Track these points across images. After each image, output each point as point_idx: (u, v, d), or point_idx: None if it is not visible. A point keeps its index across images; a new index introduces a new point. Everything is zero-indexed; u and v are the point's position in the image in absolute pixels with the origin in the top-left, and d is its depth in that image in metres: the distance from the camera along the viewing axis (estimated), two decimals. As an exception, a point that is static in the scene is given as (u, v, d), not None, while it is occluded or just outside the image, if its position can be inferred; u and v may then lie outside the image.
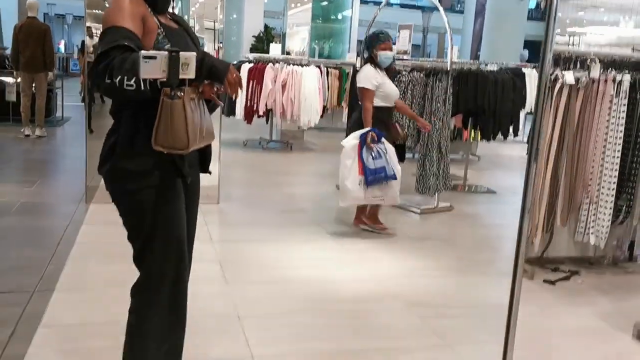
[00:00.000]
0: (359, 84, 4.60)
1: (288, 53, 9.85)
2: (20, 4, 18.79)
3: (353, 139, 4.49)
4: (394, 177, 4.52)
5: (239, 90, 2.10)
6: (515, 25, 15.97)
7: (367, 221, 4.91)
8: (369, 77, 4.58)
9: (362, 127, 4.53)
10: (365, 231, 4.89)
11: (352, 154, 4.46)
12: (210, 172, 2.40)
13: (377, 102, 4.58)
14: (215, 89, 2.08)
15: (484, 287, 3.88)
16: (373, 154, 4.43)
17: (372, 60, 4.66)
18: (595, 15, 14.31)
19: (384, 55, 4.64)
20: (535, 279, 3.96)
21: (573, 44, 14.38)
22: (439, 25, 5.73)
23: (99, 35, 2.07)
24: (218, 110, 2.34)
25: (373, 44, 4.67)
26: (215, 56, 6.98)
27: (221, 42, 6.68)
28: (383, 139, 4.49)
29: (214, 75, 2.01)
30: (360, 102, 4.62)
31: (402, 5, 24.68)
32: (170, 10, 2.33)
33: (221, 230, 4.80)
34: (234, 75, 2.03)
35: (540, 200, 3.95)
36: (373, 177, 4.42)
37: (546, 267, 4.14)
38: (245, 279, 3.73)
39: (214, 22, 6.99)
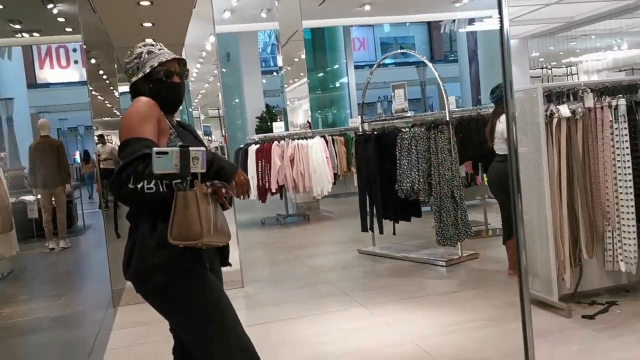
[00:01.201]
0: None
1: (310, 125, 10.11)
2: (33, 124, 19.58)
3: None
4: None
5: (248, 193, 2.23)
6: (509, 65, 16.20)
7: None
8: None
9: None
10: (399, 292, 4.87)
11: None
12: (230, 264, 2.47)
13: None
14: (224, 192, 2.18)
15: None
16: None
17: None
18: (588, 43, 14.56)
19: None
20: (574, 316, 3.86)
21: (571, 74, 14.55)
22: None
23: (119, 145, 2.21)
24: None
25: None
26: (223, 142, 7.09)
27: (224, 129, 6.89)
28: None
29: (222, 175, 2.15)
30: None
31: (397, 64, 25.26)
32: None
33: (249, 314, 4.78)
34: (242, 177, 2.17)
35: (562, 236, 3.90)
36: None
37: (583, 302, 4.04)
38: (279, 361, 3.68)
39: (218, 110, 7.22)
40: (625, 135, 3.83)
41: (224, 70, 17.40)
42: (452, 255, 5.73)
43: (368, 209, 6.39)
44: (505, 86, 1.92)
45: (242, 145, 9.09)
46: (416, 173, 5.63)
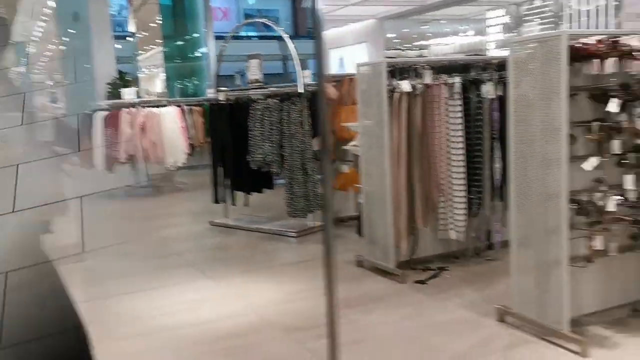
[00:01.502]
0: None
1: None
2: None
3: None
4: None
5: None
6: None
7: None
8: None
9: None
10: (248, 263, 4.84)
11: None
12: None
13: None
14: None
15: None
16: None
17: None
18: (438, 27, 15.40)
19: None
20: (408, 282, 4.09)
21: (422, 57, 15.24)
22: (300, 52, 5.99)
23: None
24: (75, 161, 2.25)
25: None
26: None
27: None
28: None
29: None
30: None
31: (260, 37, 25.02)
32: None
33: (87, 289, 4.50)
34: None
35: (400, 206, 4.10)
36: None
37: (417, 269, 4.29)
38: (117, 336, 3.51)
39: (66, 75, 6.71)
40: (460, 112, 4.09)
41: (72, 31, 16.13)
42: (303, 227, 5.82)
43: (221, 180, 6.29)
44: (319, 67, 1.91)
45: (88, 112, 8.50)
46: (268, 144, 5.61)
